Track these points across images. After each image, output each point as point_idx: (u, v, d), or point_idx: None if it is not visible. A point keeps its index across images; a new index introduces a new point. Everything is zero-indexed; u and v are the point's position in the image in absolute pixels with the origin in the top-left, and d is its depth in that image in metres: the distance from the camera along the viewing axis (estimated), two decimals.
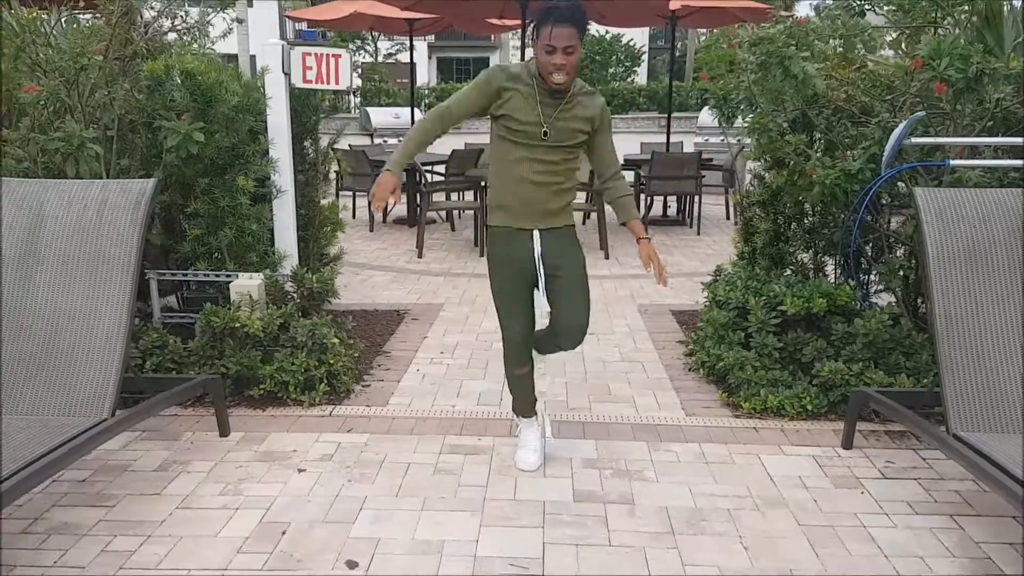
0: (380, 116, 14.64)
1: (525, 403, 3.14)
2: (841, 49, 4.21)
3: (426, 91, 18.33)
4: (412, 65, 10.45)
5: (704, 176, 8.33)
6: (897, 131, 3.29)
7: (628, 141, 12.01)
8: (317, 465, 3.10)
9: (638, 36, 23.85)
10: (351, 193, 9.15)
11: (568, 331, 2.91)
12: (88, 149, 3.47)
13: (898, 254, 4.05)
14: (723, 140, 10.42)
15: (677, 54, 23.96)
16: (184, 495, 2.85)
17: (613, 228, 8.24)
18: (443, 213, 9.13)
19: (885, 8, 4.35)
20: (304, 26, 13.90)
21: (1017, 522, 2.68)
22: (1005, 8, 4.17)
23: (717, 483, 2.98)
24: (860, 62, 4.11)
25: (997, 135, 3.60)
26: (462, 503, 2.81)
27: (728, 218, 9.18)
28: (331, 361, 3.73)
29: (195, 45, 4.44)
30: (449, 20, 10.32)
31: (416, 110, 11.89)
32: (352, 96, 18.07)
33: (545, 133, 2.72)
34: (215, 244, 3.94)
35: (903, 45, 4.51)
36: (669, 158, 8.33)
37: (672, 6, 8.66)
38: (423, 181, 7.65)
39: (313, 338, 3.71)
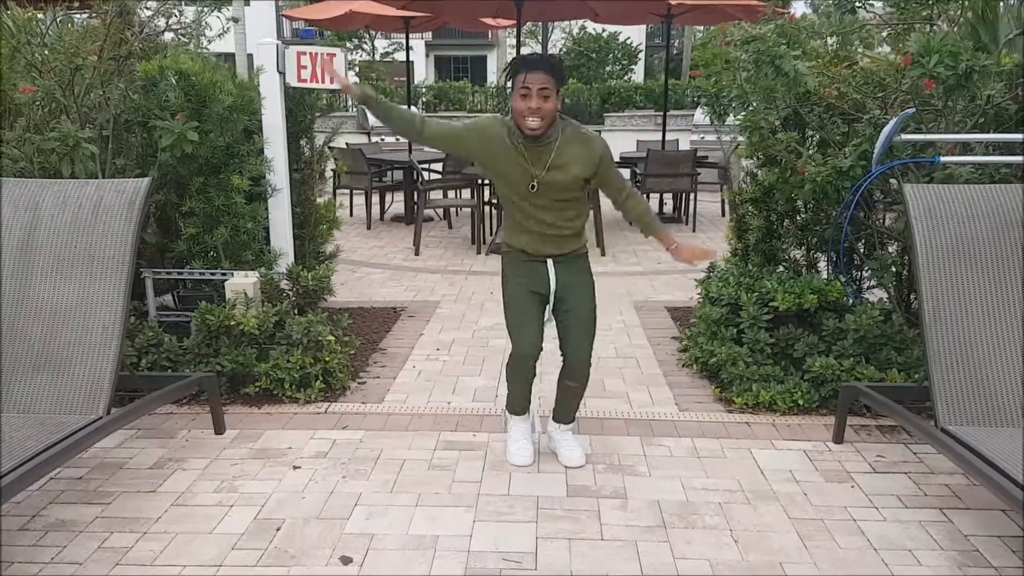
0: None
1: (520, 404, 3.16)
2: (836, 46, 4.22)
3: (423, 89, 18.29)
4: (408, 63, 10.44)
5: (700, 173, 8.34)
6: (887, 128, 3.30)
7: (624, 139, 12.04)
8: (312, 462, 3.12)
9: (635, 34, 23.85)
10: (348, 191, 9.18)
11: (569, 369, 2.98)
12: (84, 149, 3.49)
13: (891, 250, 4.07)
14: (717, 137, 10.45)
15: (674, 52, 23.98)
16: (179, 492, 2.87)
17: (610, 225, 8.28)
18: (440, 211, 9.17)
19: (876, 5, 4.37)
20: (301, 25, 13.89)
21: (1005, 515, 2.71)
22: (1000, 6, 4.19)
23: (709, 477, 3.00)
24: (853, 59, 4.12)
25: (989, 132, 3.61)
26: (456, 498, 2.84)
27: (724, 215, 9.21)
28: (327, 358, 3.75)
29: (191, 45, 4.46)
30: (445, 18, 10.33)
31: (413, 108, 11.90)
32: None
33: (533, 187, 2.74)
34: (210, 243, 3.95)
35: (898, 43, 4.52)
36: (665, 156, 8.35)
37: (667, 3, 8.65)
38: (420, 179, 7.68)
39: (309, 335, 3.73)
